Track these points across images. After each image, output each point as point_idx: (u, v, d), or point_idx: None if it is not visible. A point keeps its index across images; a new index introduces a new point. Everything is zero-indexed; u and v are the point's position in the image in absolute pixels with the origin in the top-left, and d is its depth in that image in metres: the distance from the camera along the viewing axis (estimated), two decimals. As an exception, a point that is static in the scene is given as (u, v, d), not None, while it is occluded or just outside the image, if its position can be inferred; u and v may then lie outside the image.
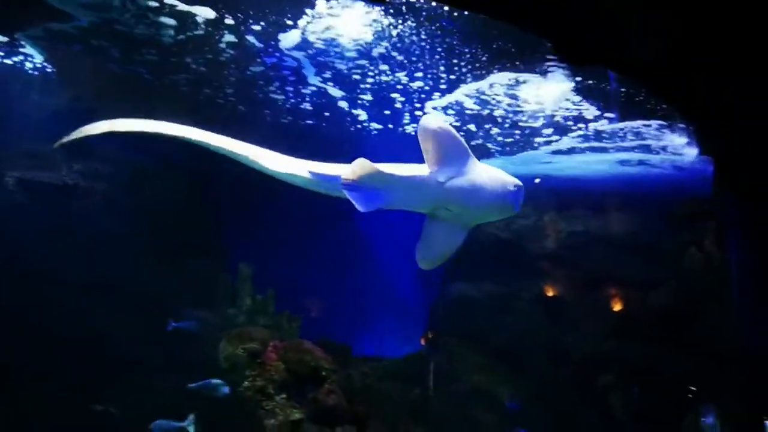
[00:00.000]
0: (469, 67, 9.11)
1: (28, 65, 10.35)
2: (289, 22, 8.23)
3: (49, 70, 10.52)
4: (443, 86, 10.00)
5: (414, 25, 8.01)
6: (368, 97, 11.05)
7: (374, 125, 12.56)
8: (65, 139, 5.05)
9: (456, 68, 9.20)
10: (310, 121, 12.47)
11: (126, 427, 10.17)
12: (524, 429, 10.81)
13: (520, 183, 4.85)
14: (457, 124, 11.84)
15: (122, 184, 11.51)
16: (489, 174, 4.85)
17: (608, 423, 11.63)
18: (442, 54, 8.73)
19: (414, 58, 9.03)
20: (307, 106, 11.69)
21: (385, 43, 8.65)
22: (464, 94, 10.26)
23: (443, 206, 4.88)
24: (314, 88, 10.75)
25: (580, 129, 11.39)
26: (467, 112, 11.17)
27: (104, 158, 11.34)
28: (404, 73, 9.67)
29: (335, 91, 10.83)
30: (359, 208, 4.84)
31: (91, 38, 9.20)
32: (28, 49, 9.80)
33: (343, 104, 11.46)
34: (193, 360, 10.74)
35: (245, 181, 12.82)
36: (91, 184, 11.24)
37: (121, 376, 10.57)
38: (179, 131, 5.19)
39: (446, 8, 7.46)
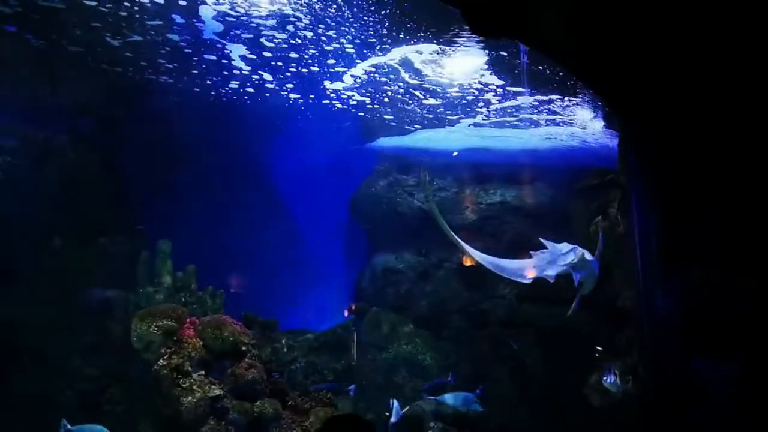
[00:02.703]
0: (381, 38, 8.98)
1: None
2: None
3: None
4: (356, 58, 9.88)
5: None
6: (292, 84, 11.17)
7: (302, 100, 12.45)
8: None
9: (368, 39, 9.06)
10: (247, 98, 12.29)
11: (44, 414, 9.75)
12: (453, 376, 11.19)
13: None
14: (366, 99, 11.89)
15: (27, 158, 10.76)
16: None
17: (523, 381, 12.28)
18: (354, 24, 8.56)
19: (325, 28, 8.87)
20: (247, 87, 11.62)
21: (300, 15, 8.46)
22: (374, 66, 10.20)
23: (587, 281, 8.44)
24: (245, 68, 10.62)
25: (493, 103, 11.63)
26: (382, 85, 11.18)
27: (6, 132, 10.54)
28: (314, 45, 9.55)
29: (267, 75, 10.91)
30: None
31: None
32: None
33: (270, 86, 11.45)
34: (105, 342, 10.41)
35: (161, 153, 12.43)
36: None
37: (32, 363, 10.03)
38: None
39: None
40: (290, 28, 8.83)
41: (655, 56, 4.09)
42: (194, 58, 10.34)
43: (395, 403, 10.38)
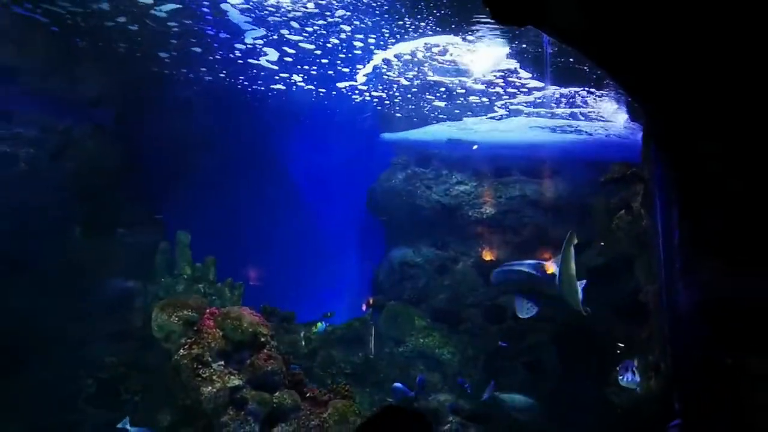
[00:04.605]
0: (404, 28, 8.94)
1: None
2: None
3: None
4: (372, 47, 9.86)
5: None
6: (314, 85, 11.53)
7: (323, 94, 12.50)
8: None
9: (388, 29, 9.04)
10: (275, 92, 12.41)
11: (63, 402, 9.90)
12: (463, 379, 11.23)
13: None
14: (382, 94, 11.83)
15: (47, 149, 10.85)
16: None
17: (538, 376, 12.19)
18: (376, 13, 8.54)
19: (348, 17, 8.86)
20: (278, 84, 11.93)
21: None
22: (395, 56, 10.16)
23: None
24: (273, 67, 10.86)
25: (515, 95, 11.51)
26: (401, 76, 11.11)
27: (27, 122, 10.63)
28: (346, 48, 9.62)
29: (297, 77, 11.28)
30: None
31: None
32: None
33: (300, 82, 11.66)
34: (124, 332, 10.51)
35: (181, 144, 12.53)
36: (14, 150, 10.52)
37: (51, 352, 10.16)
38: None
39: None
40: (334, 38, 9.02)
41: (674, 50, 4.00)
42: (239, 62, 10.50)
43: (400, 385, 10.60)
